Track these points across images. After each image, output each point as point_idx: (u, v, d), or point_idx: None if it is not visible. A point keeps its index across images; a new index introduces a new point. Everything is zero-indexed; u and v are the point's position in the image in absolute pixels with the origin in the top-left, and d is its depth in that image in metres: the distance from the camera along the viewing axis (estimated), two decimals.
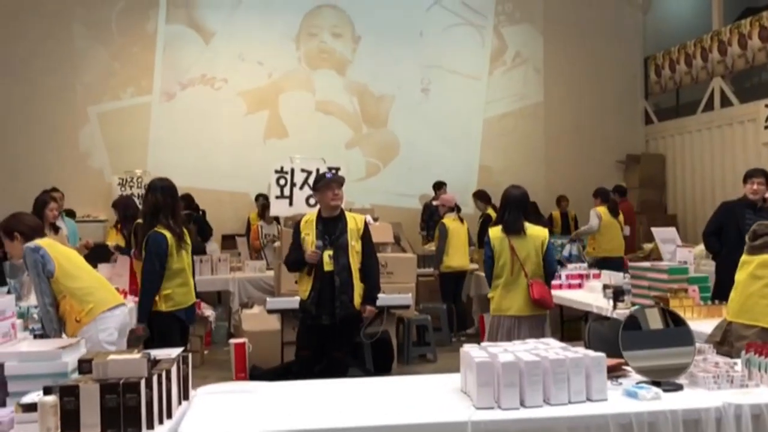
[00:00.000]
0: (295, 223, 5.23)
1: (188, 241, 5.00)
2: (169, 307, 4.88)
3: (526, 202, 5.20)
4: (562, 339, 6.89)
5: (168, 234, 4.84)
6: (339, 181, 4.95)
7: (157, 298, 4.82)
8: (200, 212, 10.57)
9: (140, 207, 5.79)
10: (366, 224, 5.11)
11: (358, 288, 4.91)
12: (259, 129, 11.98)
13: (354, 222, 4.96)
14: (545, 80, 12.95)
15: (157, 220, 4.88)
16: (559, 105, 12.92)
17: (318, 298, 4.85)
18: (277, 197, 7.37)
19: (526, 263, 5.03)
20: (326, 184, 4.95)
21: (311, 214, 5.10)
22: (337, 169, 7.75)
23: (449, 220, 8.59)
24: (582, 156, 12.82)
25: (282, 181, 7.46)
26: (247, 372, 6.33)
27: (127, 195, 9.01)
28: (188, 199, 10.54)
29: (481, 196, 10.07)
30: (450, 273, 8.57)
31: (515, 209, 5.09)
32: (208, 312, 8.07)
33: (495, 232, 5.16)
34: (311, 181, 6.95)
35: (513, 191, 5.18)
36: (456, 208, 8.75)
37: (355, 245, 4.89)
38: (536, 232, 5.12)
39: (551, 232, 6.32)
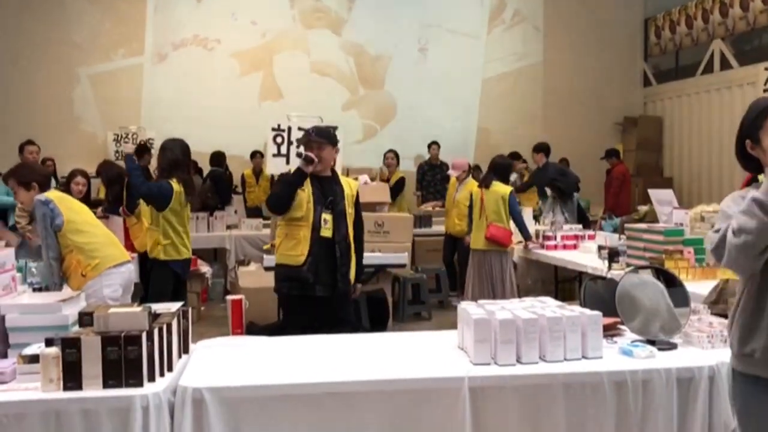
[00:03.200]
0: (281, 173, 4.85)
1: (191, 201, 5.32)
2: (167, 256, 5.18)
3: (505, 170, 7.11)
4: (556, 298, 6.95)
5: (177, 187, 5.14)
6: (318, 142, 4.45)
7: (156, 246, 5.20)
8: (226, 172, 10.61)
9: (124, 167, 5.86)
10: (358, 192, 4.92)
11: (353, 262, 4.59)
12: (253, 91, 11.88)
13: (349, 188, 4.63)
14: (545, 39, 12.83)
15: (172, 176, 5.19)
16: (559, 65, 12.82)
17: (316, 267, 4.39)
18: (273, 155, 7.30)
19: (488, 211, 6.82)
20: (306, 142, 4.58)
21: None
22: (335, 128, 7.72)
23: (474, 186, 8.35)
24: (580, 117, 12.77)
25: (279, 139, 7.39)
26: (244, 328, 6.38)
27: (108, 160, 8.99)
28: (219, 157, 10.60)
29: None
30: (449, 235, 8.61)
31: (490, 171, 7.05)
32: (205, 269, 8.10)
33: (474, 187, 7.35)
34: None
35: (497, 159, 7.20)
36: (472, 170, 8.68)
37: (351, 213, 4.59)
38: (500, 188, 6.90)
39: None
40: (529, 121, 12.67)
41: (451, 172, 8.52)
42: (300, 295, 4.42)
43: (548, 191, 8.65)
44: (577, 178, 8.78)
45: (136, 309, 2.71)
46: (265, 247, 7.19)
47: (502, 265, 6.86)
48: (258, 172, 10.68)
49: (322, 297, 4.44)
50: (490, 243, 6.86)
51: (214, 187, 9.89)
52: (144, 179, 5.39)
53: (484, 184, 7.05)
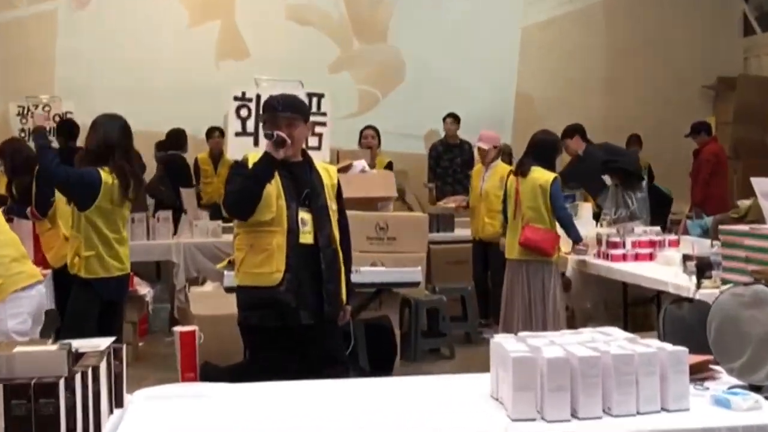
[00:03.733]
0: (237, 162, 4.73)
1: (131, 197, 5.39)
2: (89, 274, 5.25)
3: (549, 150, 7.07)
4: (625, 327, 6.96)
5: (108, 177, 5.20)
6: (288, 118, 4.39)
7: (76, 259, 5.26)
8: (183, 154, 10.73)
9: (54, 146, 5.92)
10: (339, 180, 4.89)
11: (342, 274, 4.60)
12: (207, 47, 12.01)
13: (328, 176, 4.64)
14: None
15: (103, 162, 5.23)
16: (626, 7, 12.84)
17: (298, 285, 4.42)
18: (237, 134, 7.39)
19: (524, 206, 6.86)
20: (271, 117, 4.45)
21: (258, 153, 4.56)
22: (320, 96, 7.77)
23: (505, 171, 8.23)
24: (655, 79, 12.83)
25: (244, 112, 7.48)
26: (198, 370, 6.41)
27: (16, 138, 9.00)
28: (178, 137, 10.65)
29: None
30: (478, 241, 8.64)
31: (529, 152, 7.04)
32: (144, 290, 8.14)
33: (505, 172, 7.60)
34: None
35: (538, 135, 7.16)
36: (502, 151, 8.83)
37: (335, 209, 4.61)
38: (539, 175, 6.81)
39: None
40: (586, 85, 12.75)
41: (480, 143, 8.55)
42: (275, 327, 4.42)
43: (607, 179, 8.66)
44: (636, 155, 8.81)
45: (51, 347, 2.72)
46: (219, 266, 7.22)
47: (544, 282, 6.90)
48: (217, 155, 10.72)
49: (305, 326, 4.45)
50: (526, 251, 6.89)
51: (168, 178, 9.96)
52: (59, 162, 5.40)
53: (520, 170, 7.06)
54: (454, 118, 10.97)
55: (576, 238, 7.10)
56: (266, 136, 4.35)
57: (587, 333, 3.22)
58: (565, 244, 7.27)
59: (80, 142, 7.67)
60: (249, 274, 4.47)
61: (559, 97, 12.46)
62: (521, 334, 3.20)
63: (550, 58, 12.77)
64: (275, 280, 4.38)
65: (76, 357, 2.79)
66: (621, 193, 8.40)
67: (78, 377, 2.65)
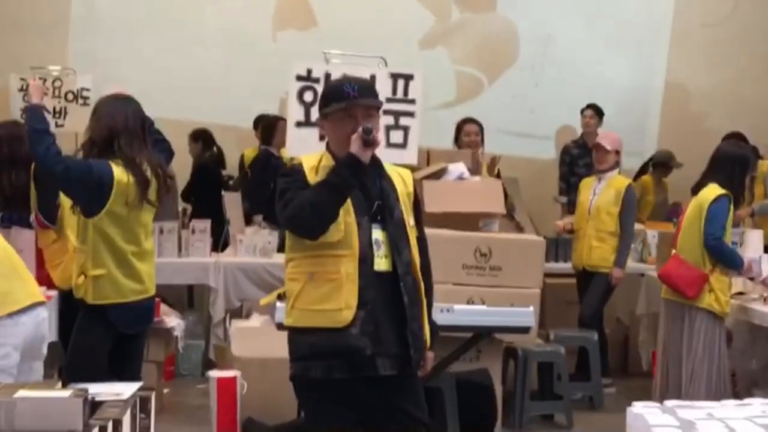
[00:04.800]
0: (290, 169, 4.71)
1: (154, 199, 5.40)
2: (98, 298, 5.26)
3: (735, 166, 7.00)
4: None
5: (121, 174, 5.21)
6: (367, 106, 4.44)
7: (81, 279, 5.30)
8: (219, 157, 11.05)
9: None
10: (416, 188, 4.87)
11: (425, 309, 4.59)
12: (264, 13, 12.13)
13: (401, 181, 4.62)
14: None
15: (112, 154, 5.26)
16: None
17: (375, 325, 4.43)
18: (298, 123, 7.41)
19: (682, 232, 7.08)
20: (347, 106, 4.45)
21: (315, 156, 4.58)
22: (408, 78, 7.77)
23: (623, 183, 8.70)
24: None
25: (308, 96, 7.48)
26: (238, 429, 6.47)
27: (18, 121, 9.18)
28: (204, 137, 11.00)
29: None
30: (583, 271, 8.72)
31: (711, 168, 7.06)
32: (173, 321, 8.20)
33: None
34: None
35: (723, 148, 7.30)
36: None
37: (413, 225, 4.59)
38: (709, 193, 6.86)
39: None
40: (757, 73, 12.56)
41: (602, 141, 8.67)
42: (346, 380, 4.41)
43: None
44: None
45: (62, 393, 2.79)
46: (263, 301, 7.25)
47: (685, 329, 6.94)
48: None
49: (382, 378, 4.42)
50: (669, 289, 7.05)
51: (201, 183, 10.16)
52: (59, 151, 5.39)
53: (694, 189, 7.11)
54: (594, 111, 10.86)
55: (732, 263, 6.97)
56: (365, 131, 4.32)
57: (757, 404, 3.20)
58: (735, 285, 7.23)
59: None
60: (308, 312, 4.40)
61: (720, 86, 12.34)
62: (669, 402, 3.18)
63: (711, 37, 12.59)
64: (345, 319, 4.32)
65: (92, 406, 2.85)
66: None
67: None
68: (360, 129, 4.27)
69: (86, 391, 2.84)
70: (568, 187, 10.78)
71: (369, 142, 4.25)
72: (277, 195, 4.49)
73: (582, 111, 10.99)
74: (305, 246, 4.40)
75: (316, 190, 4.32)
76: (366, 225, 4.39)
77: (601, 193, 8.57)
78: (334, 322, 4.33)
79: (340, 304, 4.34)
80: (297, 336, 4.47)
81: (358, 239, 4.37)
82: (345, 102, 4.40)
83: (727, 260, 6.92)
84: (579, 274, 8.78)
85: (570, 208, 10.42)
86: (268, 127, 10.31)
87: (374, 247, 4.41)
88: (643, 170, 11.40)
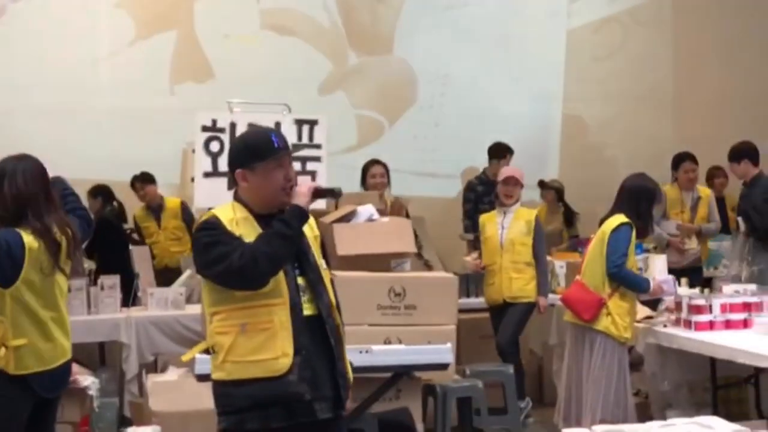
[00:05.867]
0: (207, 222, 4.58)
1: (65, 259, 5.31)
2: (19, 369, 5.15)
3: (641, 199, 7.29)
4: (715, 412, 7.02)
5: (30, 240, 5.12)
6: (290, 156, 4.65)
7: (2, 351, 5.14)
8: (119, 211, 11.06)
9: None
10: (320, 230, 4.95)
11: (344, 347, 4.68)
12: (159, 65, 12.11)
13: (307, 225, 4.65)
14: None
15: (19, 221, 5.16)
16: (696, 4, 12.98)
17: (311, 370, 4.45)
18: (206, 174, 7.41)
19: (587, 259, 7.43)
20: (276, 157, 4.53)
21: (227, 208, 4.58)
22: (312, 123, 7.83)
23: (529, 215, 9.02)
24: (743, 93, 12.85)
25: (215, 146, 7.50)
26: None
27: None
28: (104, 192, 10.92)
29: None
30: (501, 307, 8.83)
31: (619, 200, 7.37)
32: (86, 380, 8.10)
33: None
34: None
35: (629, 180, 7.45)
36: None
37: (326, 269, 4.69)
38: (612, 221, 7.18)
39: None
40: (652, 103, 12.83)
41: (514, 174, 8.85)
42: (283, 428, 4.41)
43: (741, 223, 8.85)
44: None
45: None
46: (185, 357, 7.23)
47: (585, 352, 7.26)
48: (156, 207, 11.15)
49: (320, 422, 4.45)
50: (570, 312, 7.40)
51: (104, 238, 10.07)
52: None
53: (601, 221, 7.44)
54: (502, 154, 10.86)
55: (637, 287, 7.25)
56: (330, 193, 4.49)
57: (681, 425, 3.28)
58: (642, 311, 7.48)
59: None
60: (243, 364, 4.39)
61: (616, 117, 12.60)
62: (597, 427, 3.25)
63: (605, 68, 12.86)
64: (283, 367, 4.35)
65: None
66: (751, 246, 8.57)
67: None
68: (316, 182, 4.44)
69: None
70: (473, 224, 10.60)
71: (323, 196, 4.48)
72: (200, 249, 4.47)
73: (492, 150, 10.96)
74: (234, 298, 4.41)
75: (267, 241, 4.36)
76: (291, 272, 4.45)
77: (510, 226, 8.75)
78: (272, 371, 4.35)
79: (276, 352, 4.37)
80: (232, 389, 4.45)
81: (287, 287, 4.42)
82: (277, 154, 4.47)
83: (632, 285, 7.20)
84: (495, 308, 8.85)
85: (476, 243, 10.54)
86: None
87: (300, 293, 4.47)
88: None
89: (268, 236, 4.36)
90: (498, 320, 8.85)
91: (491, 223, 8.98)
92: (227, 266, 4.32)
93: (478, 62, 12.52)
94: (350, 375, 4.62)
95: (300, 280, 4.48)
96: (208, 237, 4.45)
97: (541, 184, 11.55)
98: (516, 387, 8.44)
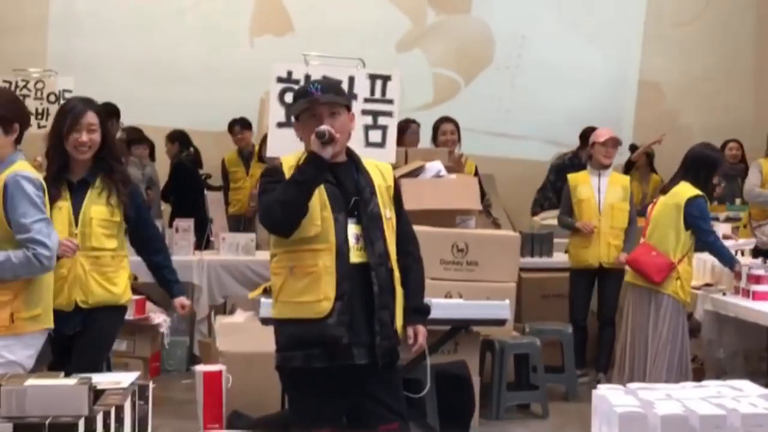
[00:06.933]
0: (269, 168, 4.90)
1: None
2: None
3: (705, 167, 7.33)
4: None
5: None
6: (329, 103, 4.56)
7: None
8: (196, 157, 11.18)
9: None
10: (396, 178, 4.89)
11: (400, 297, 4.71)
12: (241, 19, 12.26)
13: (380, 175, 4.74)
14: None
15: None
16: None
17: (351, 316, 4.54)
18: (279, 124, 7.49)
19: (651, 226, 7.45)
20: (310, 106, 4.58)
21: (295, 155, 4.69)
22: (385, 79, 7.89)
23: (624, 181, 9.08)
24: None
25: (289, 97, 7.54)
26: (224, 423, 6.56)
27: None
28: (182, 137, 11.10)
29: None
30: (580, 270, 8.80)
31: (682, 169, 7.43)
32: (159, 319, 8.28)
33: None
34: None
35: (695, 148, 7.50)
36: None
37: (391, 218, 4.70)
38: (683, 191, 7.20)
39: None
40: (734, 69, 12.68)
41: (611, 137, 8.74)
42: (324, 369, 4.54)
43: None
44: None
45: (68, 381, 2.95)
46: (252, 294, 7.35)
47: (651, 314, 7.28)
48: (247, 155, 11.13)
49: (361, 367, 4.57)
50: (635, 274, 7.43)
51: (180, 182, 10.32)
52: None
53: (664, 189, 7.60)
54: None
55: (730, 261, 7.41)
56: (318, 134, 4.45)
57: (713, 386, 3.36)
58: (696, 277, 7.54)
59: None
60: (289, 305, 4.57)
61: (695, 84, 12.51)
62: (632, 385, 3.33)
63: (684, 34, 12.76)
64: (323, 310, 4.47)
65: (96, 393, 3.01)
66: None
67: (99, 418, 2.87)
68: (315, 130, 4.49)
69: (90, 379, 3.01)
70: (554, 189, 10.65)
71: (325, 143, 4.41)
72: (259, 195, 4.70)
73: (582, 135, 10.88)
74: (285, 242, 4.55)
75: (282, 189, 4.49)
76: (342, 220, 4.53)
77: (608, 191, 8.68)
78: (313, 313, 4.48)
79: (318, 295, 4.49)
80: (280, 327, 4.65)
81: (335, 234, 4.51)
82: (303, 100, 4.58)
83: (725, 256, 7.38)
84: (584, 270, 8.75)
85: (548, 204, 10.53)
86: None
87: (351, 240, 4.55)
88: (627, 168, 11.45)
89: (284, 184, 4.49)
90: (584, 284, 8.77)
91: (585, 185, 8.82)
92: (260, 215, 4.65)
93: (556, 24, 12.51)
94: (398, 326, 4.66)
95: (355, 228, 4.55)
96: (263, 185, 4.66)
97: (633, 148, 11.37)
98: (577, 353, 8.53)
